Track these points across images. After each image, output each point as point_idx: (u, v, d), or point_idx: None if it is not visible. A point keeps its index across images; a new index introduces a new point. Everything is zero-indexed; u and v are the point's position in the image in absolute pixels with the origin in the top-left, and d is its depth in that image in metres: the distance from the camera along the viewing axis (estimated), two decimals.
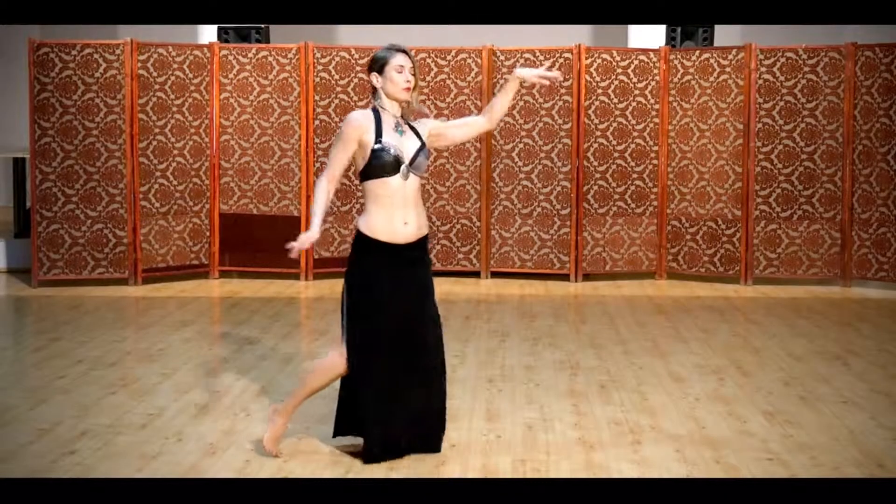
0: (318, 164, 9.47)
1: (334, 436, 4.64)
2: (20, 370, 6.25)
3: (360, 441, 4.61)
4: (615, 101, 9.55)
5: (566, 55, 9.50)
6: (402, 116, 4.55)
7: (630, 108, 9.58)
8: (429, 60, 9.57)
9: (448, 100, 9.56)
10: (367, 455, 4.48)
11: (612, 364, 6.37)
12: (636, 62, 9.57)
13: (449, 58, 9.58)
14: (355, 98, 9.44)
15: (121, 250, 9.13)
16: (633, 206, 9.64)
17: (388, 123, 4.49)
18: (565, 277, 9.62)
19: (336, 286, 9.08)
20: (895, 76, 9.02)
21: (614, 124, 9.57)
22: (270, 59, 9.48)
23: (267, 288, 9.13)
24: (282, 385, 5.80)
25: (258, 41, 9.96)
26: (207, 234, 9.52)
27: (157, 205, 9.26)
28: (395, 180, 4.43)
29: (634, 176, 9.62)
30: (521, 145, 9.60)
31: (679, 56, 9.59)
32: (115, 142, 9.07)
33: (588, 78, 9.50)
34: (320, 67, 9.47)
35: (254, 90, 9.48)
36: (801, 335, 7.28)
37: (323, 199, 4.53)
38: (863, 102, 9.15)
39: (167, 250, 9.33)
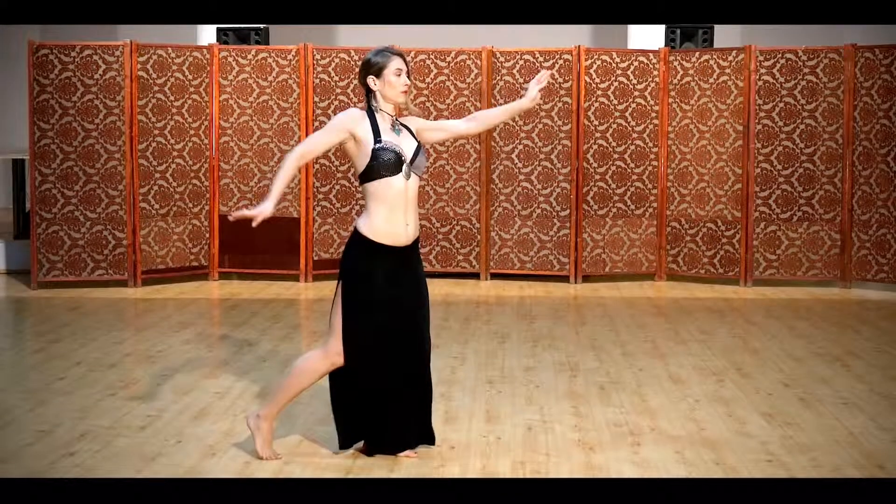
0: (317, 167, 9.47)
1: (343, 448, 4.58)
2: (20, 372, 6.25)
3: (359, 443, 4.62)
4: (615, 102, 9.55)
5: (566, 56, 9.50)
6: (395, 118, 4.56)
7: (630, 109, 9.58)
8: (428, 62, 9.57)
9: (448, 101, 9.56)
10: (372, 449, 4.54)
11: (612, 365, 6.36)
12: (636, 63, 9.57)
13: (448, 59, 9.58)
14: (355, 99, 9.44)
15: (120, 252, 9.13)
16: (632, 207, 9.64)
17: (385, 124, 4.50)
18: (565, 279, 9.62)
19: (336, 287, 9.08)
20: (895, 77, 9.02)
21: (614, 126, 9.57)
22: (270, 60, 9.48)
23: (266, 290, 9.13)
24: None
25: (258, 42, 9.96)
26: (207, 235, 9.52)
27: (157, 206, 9.25)
28: (397, 180, 4.42)
29: (634, 177, 9.62)
30: (520, 147, 9.60)
31: (679, 57, 9.59)
32: (115, 143, 9.07)
33: (587, 79, 9.50)
34: (320, 69, 9.47)
35: (253, 92, 9.48)
36: (800, 336, 7.27)
37: (290, 173, 4.39)
38: (862, 104, 9.15)
39: (167, 252, 9.33)
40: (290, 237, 9.48)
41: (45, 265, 8.99)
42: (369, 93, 4.53)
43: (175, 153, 9.31)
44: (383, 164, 4.40)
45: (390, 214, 4.42)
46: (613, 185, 9.60)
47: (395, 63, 4.48)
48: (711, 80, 9.48)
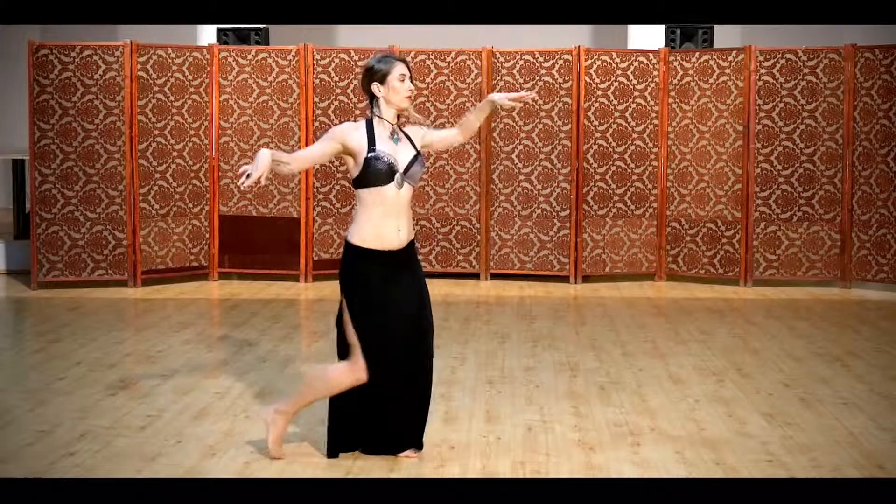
0: (317, 167, 9.47)
1: (330, 457, 4.57)
2: (20, 372, 6.25)
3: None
4: (615, 102, 9.55)
5: (566, 56, 9.50)
6: (398, 125, 4.56)
7: (630, 109, 9.58)
8: (428, 62, 9.57)
9: (448, 101, 9.56)
10: (372, 451, 4.59)
11: (612, 366, 6.36)
12: (636, 64, 9.57)
13: (448, 59, 9.58)
14: (355, 100, 9.44)
15: (120, 252, 9.13)
16: (632, 207, 9.64)
17: (383, 132, 4.49)
18: (565, 279, 9.62)
19: (336, 288, 9.08)
20: (895, 78, 9.02)
21: (614, 126, 9.57)
22: (270, 60, 9.48)
23: (266, 290, 9.13)
24: (281, 387, 5.79)
25: (258, 43, 9.96)
26: (207, 235, 9.52)
27: (157, 206, 9.25)
28: (389, 189, 4.43)
29: (634, 177, 9.62)
30: (520, 147, 9.60)
31: (679, 57, 9.59)
32: (115, 143, 9.07)
33: (587, 79, 9.50)
34: (320, 69, 9.47)
35: (253, 92, 9.48)
36: (800, 337, 7.27)
37: (285, 158, 4.35)
38: (862, 104, 9.15)
39: (167, 252, 9.33)
40: (290, 237, 9.48)
41: (45, 265, 8.99)
42: (373, 100, 4.53)
43: (175, 153, 9.31)
44: (373, 174, 4.41)
45: (379, 220, 4.43)
46: (613, 186, 9.61)
47: (399, 69, 4.49)
48: (711, 81, 9.48)
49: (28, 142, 9.02)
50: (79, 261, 9.04)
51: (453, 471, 4.45)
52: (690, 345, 6.98)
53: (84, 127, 9.00)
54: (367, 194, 4.44)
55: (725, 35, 10.99)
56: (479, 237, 9.66)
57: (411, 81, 4.53)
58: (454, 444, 4.78)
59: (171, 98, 9.26)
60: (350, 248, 4.49)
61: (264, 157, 4.20)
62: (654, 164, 9.63)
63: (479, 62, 9.56)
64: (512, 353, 6.68)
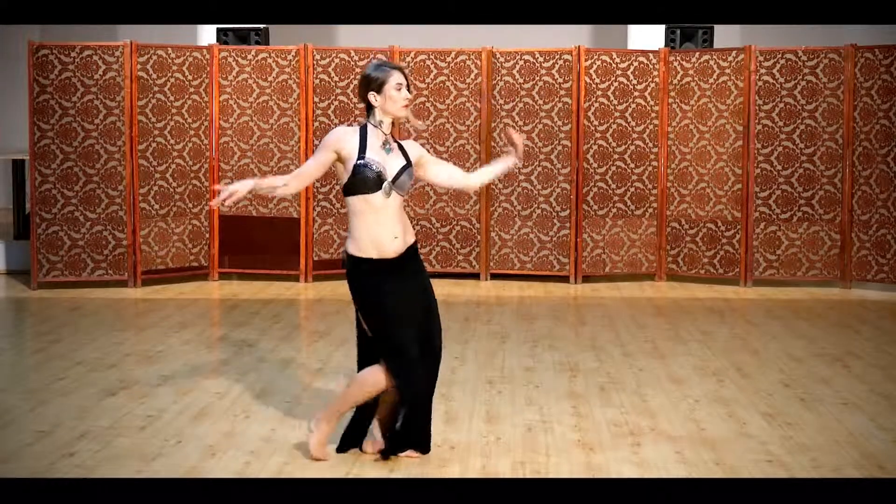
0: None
1: (340, 451, 4.63)
2: (20, 372, 6.25)
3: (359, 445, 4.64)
4: (615, 102, 9.55)
5: (566, 56, 9.51)
6: (393, 135, 4.57)
7: (630, 109, 9.58)
8: (428, 62, 9.57)
9: (448, 101, 9.56)
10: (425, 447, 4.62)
11: (612, 366, 6.36)
12: (636, 64, 9.57)
13: (448, 59, 9.58)
14: (355, 100, 9.44)
15: (120, 252, 9.13)
16: (632, 207, 9.64)
17: (375, 141, 4.49)
18: (565, 279, 9.62)
19: (336, 288, 9.10)
20: (895, 78, 9.02)
21: (614, 126, 9.57)
22: (270, 60, 9.48)
23: (266, 290, 9.13)
24: (281, 387, 5.80)
25: (258, 43, 9.96)
26: (207, 235, 9.52)
27: (157, 207, 9.25)
28: (376, 198, 4.43)
29: (634, 178, 9.62)
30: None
31: (678, 58, 9.59)
32: (115, 143, 9.07)
33: (587, 79, 9.50)
34: (320, 69, 9.47)
35: (253, 92, 9.48)
36: (800, 337, 7.27)
37: (279, 182, 4.51)
38: (862, 104, 9.15)
39: (167, 252, 9.33)
40: (290, 237, 9.48)
41: (45, 265, 8.99)
42: (370, 108, 4.53)
43: (175, 153, 9.31)
44: (361, 181, 4.42)
45: (374, 228, 4.44)
46: (613, 186, 9.61)
47: (396, 77, 4.49)
48: (711, 81, 9.48)
49: (28, 142, 9.02)
50: (79, 261, 9.04)
51: (453, 471, 4.45)
52: (690, 345, 6.98)
53: (84, 127, 9.00)
54: (355, 201, 4.46)
55: (725, 35, 10.99)
56: (479, 237, 9.66)
57: (408, 89, 4.52)
58: (454, 444, 4.78)
59: (171, 98, 9.26)
60: (351, 260, 4.50)
61: (246, 182, 4.40)
62: (654, 164, 9.63)
63: (478, 62, 9.56)
64: (512, 353, 6.68)
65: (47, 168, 8.95)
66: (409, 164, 4.54)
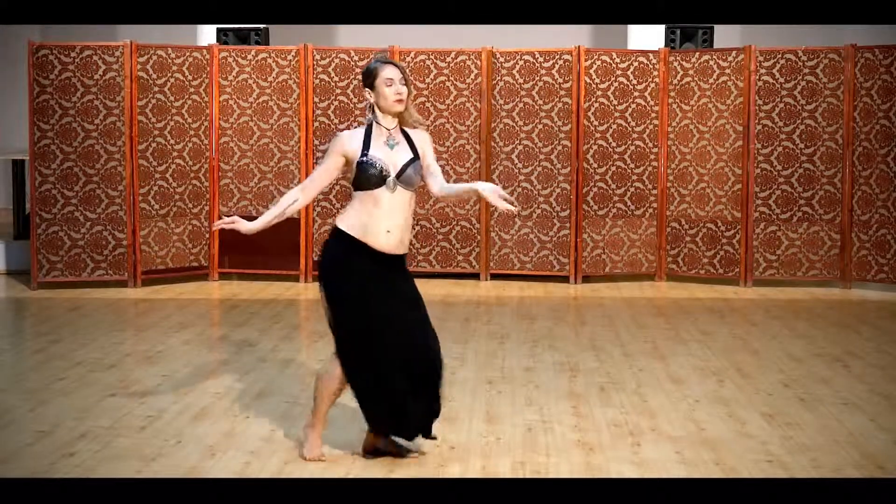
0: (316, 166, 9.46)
1: (377, 433, 4.57)
2: (20, 372, 6.25)
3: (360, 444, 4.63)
4: (615, 102, 9.55)
5: (566, 57, 9.51)
6: (399, 128, 4.54)
7: (630, 109, 9.58)
8: (428, 62, 9.57)
9: (448, 101, 9.56)
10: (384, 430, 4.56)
11: (612, 366, 6.36)
12: (636, 64, 9.57)
13: (448, 59, 9.58)
14: (355, 100, 9.44)
15: (120, 252, 9.13)
16: (632, 207, 9.64)
17: (379, 137, 4.49)
18: (565, 279, 9.62)
19: None
20: (895, 78, 9.02)
21: (614, 126, 9.57)
22: (270, 60, 9.48)
23: (266, 290, 9.13)
24: (281, 387, 5.80)
25: (257, 43, 9.96)
26: (207, 236, 9.52)
27: (157, 207, 9.25)
28: (381, 193, 4.45)
29: (634, 178, 9.62)
30: (520, 147, 9.60)
31: (678, 58, 9.59)
32: (115, 144, 9.07)
33: (587, 80, 9.50)
34: (320, 69, 9.47)
35: (253, 92, 9.48)
36: (800, 337, 7.27)
37: (285, 203, 4.57)
38: (862, 104, 9.15)
39: (167, 252, 9.33)
40: (290, 237, 9.48)
41: (45, 265, 8.99)
42: (371, 105, 4.53)
43: (175, 153, 9.31)
44: (365, 178, 4.43)
45: (369, 215, 4.44)
46: (613, 186, 9.60)
47: (385, 72, 4.46)
48: (711, 81, 9.48)
49: (28, 142, 9.02)
50: (79, 261, 9.04)
51: (453, 471, 4.45)
52: (690, 345, 6.98)
53: (84, 127, 9.00)
54: (362, 195, 4.47)
55: (725, 35, 10.99)
56: (479, 237, 9.66)
57: (404, 84, 4.47)
58: (454, 444, 4.78)
59: (171, 98, 9.26)
60: (336, 232, 4.48)
61: (253, 224, 4.56)
62: (654, 164, 9.63)
63: (478, 62, 9.56)
64: (512, 354, 6.68)
65: (47, 168, 8.95)
66: (416, 157, 4.53)
